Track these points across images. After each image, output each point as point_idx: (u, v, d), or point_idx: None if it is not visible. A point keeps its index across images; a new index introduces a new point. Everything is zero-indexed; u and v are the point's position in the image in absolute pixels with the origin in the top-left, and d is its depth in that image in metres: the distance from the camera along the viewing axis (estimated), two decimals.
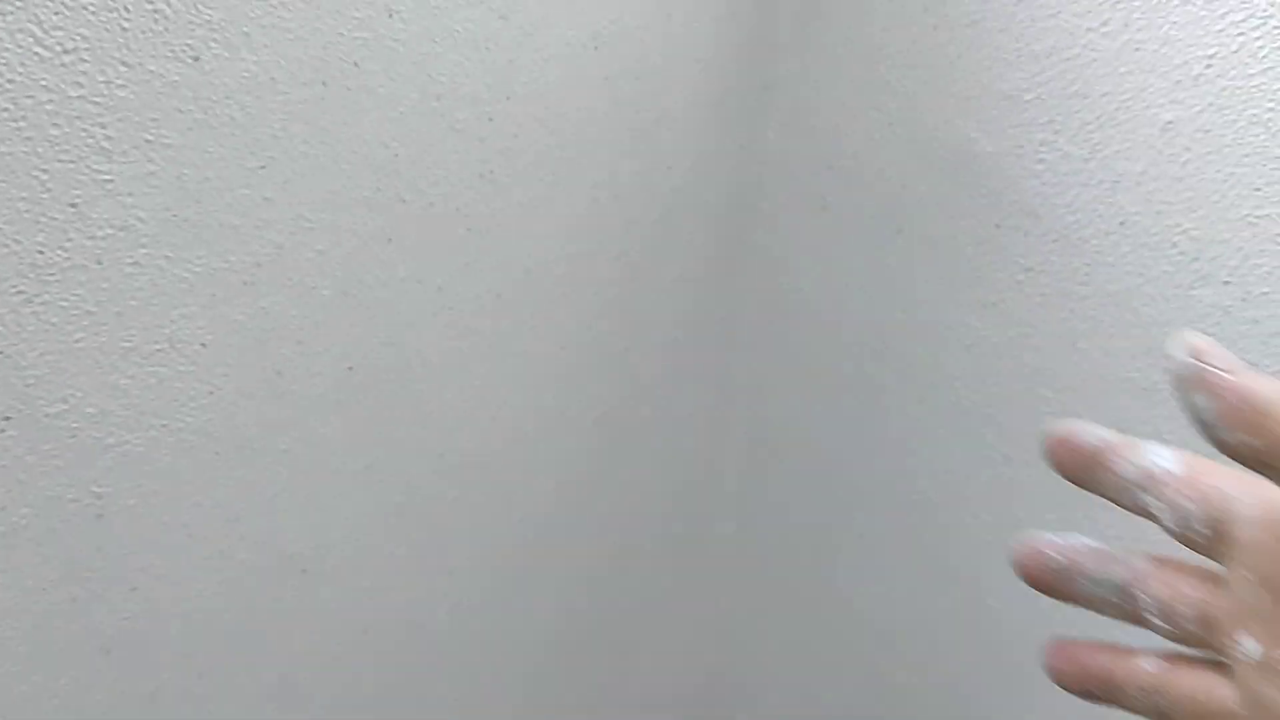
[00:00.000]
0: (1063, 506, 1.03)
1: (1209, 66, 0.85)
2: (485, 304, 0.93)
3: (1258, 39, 0.83)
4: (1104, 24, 0.89)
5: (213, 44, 0.70)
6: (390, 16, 0.78)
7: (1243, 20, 0.83)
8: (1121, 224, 0.93)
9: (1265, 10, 0.82)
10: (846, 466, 1.18)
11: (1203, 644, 0.39)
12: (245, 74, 0.72)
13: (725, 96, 1.07)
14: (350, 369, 0.85)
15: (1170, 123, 0.88)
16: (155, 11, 0.67)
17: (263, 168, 0.75)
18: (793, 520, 1.24)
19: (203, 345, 0.76)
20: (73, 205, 0.67)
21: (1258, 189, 0.86)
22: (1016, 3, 0.93)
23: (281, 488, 0.84)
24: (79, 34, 0.64)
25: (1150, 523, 0.40)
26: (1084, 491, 1.02)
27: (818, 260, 1.13)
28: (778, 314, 1.17)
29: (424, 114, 0.83)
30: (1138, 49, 0.88)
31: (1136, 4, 0.87)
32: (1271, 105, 0.83)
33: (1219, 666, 0.38)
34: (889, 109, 1.03)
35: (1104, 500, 1.02)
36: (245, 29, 0.71)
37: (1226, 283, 0.89)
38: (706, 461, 1.25)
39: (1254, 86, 0.84)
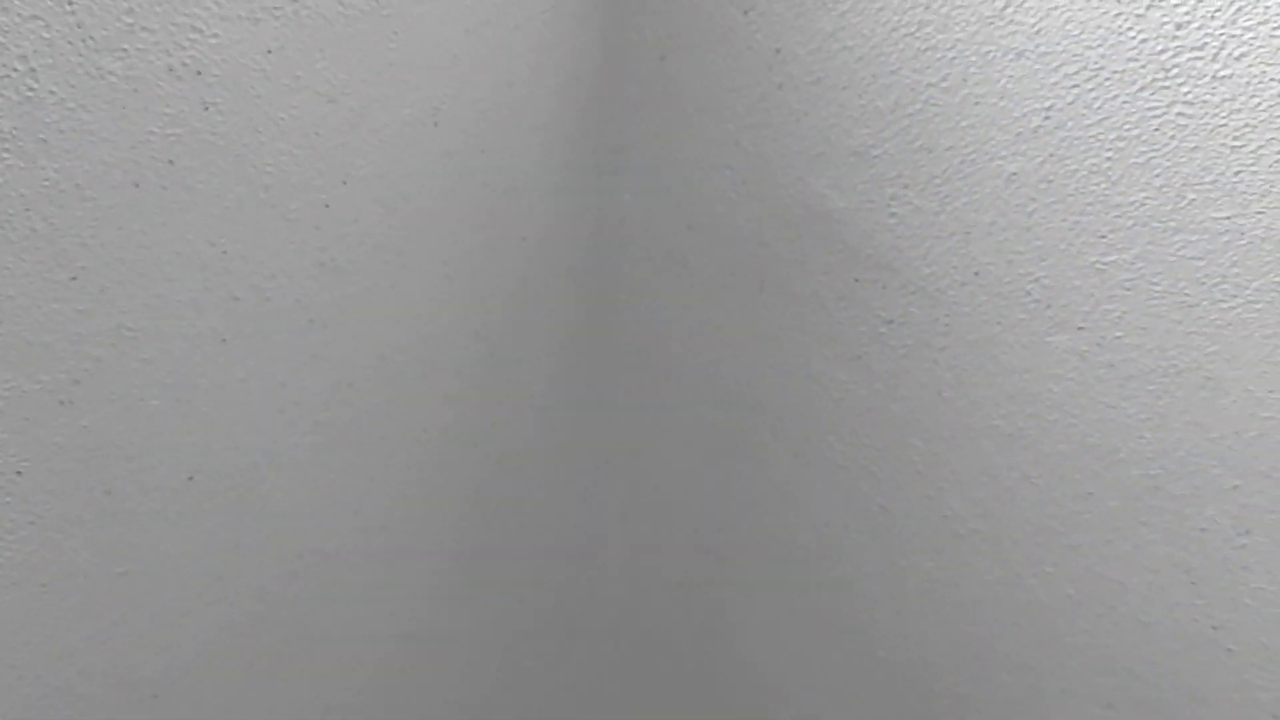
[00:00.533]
0: (940, 554, 1.03)
1: (1047, 118, 0.86)
2: (336, 395, 0.88)
3: (1091, 90, 0.84)
4: (943, 79, 0.90)
5: (4, 155, 0.64)
6: (206, 109, 0.73)
7: (1076, 73, 0.84)
8: (976, 274, 0.93)
9: (1096, 63, 0.83)
10: (728, 524, 1.16)
11: None
12: (45, 183, 0.67)
13: (576, 161, 1.05)
14: (190, 479, 0.80)
15: (1014, 174, 0.89)
16: None
17: (73, 279, 0.70)
18: (678, 579, 1.22)
19: (18, 474, 0.70)
20: None
21: (1103, 236, 0.87)
22: (858, 60, 0.93)
23: (122, 613, 0.78)
24: None
25: None
26: (962, 541, 1.02)
27: (684, 320, 1.11)
28: (648, 377, 1.15)
29: (252, 206, 0.78)
30: (977, 103, 0.89)
31: (973, 59, 0.88)
32: (1110, 154, 0.85)
33: None
34: (741, 167, 1.03)
35: (977, 549, 1.02)
36: (42, 136, 0.66)
37: (1081, 328, 0.90)
38: (588, 528, 1.22)
39: (1091, 137, 0.85)
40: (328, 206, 0.83)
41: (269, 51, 0.76)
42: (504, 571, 1.13)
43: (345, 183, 0.84)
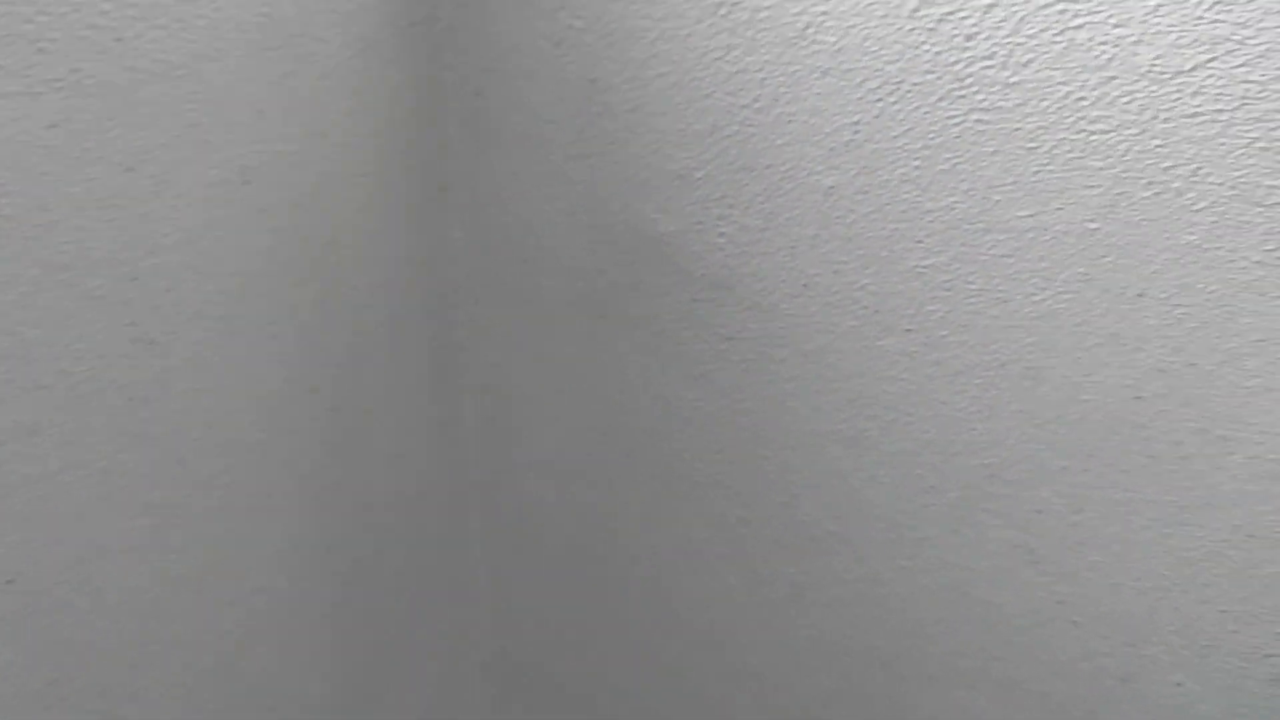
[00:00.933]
0: (800, 559, 1.05)
1: (857, 132, 0.89)
2: (166, 474, 0.84)
3: (895, 103, 0.87)
4: (755, 100, 0.92)
5: None
6: None
7: (878, 87, 0.87)
8: (805, 286, 0.95)
9: (896, 77, 0.86)
10: (592, 550, 1.16)
11: None
12: None
13: (401, 204, 1.03)
14: (10, 582, 0.75)
15: (832, 187, 0.91)
16: None
17: None
18: (548, 610, 1.21)
19: None
20: None
21: (919, 241, 0.90)
22: (672, 86, 0.94)
23: None
24: None
25: None
26: (819, 544, 1.04)
27: (528, 354, 1.10)
28: (498, 413, 1.14)
29: (51, 289, 0.74)
30: (790, 121, 0.91)
31: (781, 79, 0.90)
32: (918, 163, 0.88)
33: None
34: (570, 197, 1.02)
35: (834, 550, 1.04)
36: None
37: (908, 330, 0.93)
38: (453, 571, 1.19)
39: (899, 148, 0.88)
40: (135, 279, 0.79)
41: (53, 125, 0.72)
42: (372, 631, 1.10)
43: (153, 253, 0.80)
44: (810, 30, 0.88)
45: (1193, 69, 0.77)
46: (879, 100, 0.87)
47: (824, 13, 0.87)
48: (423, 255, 1.07)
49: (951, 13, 0.82)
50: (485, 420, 1.14)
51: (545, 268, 1.06)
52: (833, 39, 0.87)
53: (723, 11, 0.90)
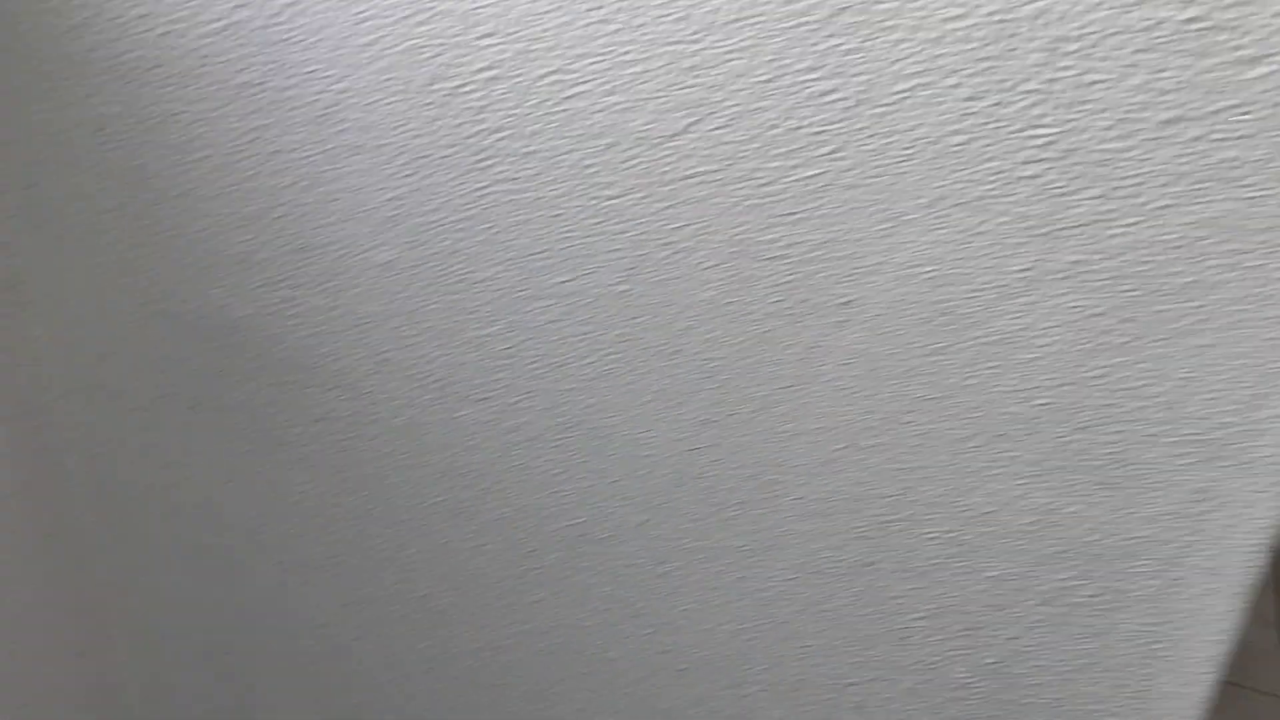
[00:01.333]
0: (429, 634, 1.03)
1: (398, 208, 0.88)
2: None
3: (427, 177, 0.86)
4: (298, 180, 0.89)
5: None
6: None
7: (409, 163, 0.86)
8: (382, 363, 0.94)
9: (423, 151, 0.85)
10: (234, 646, 1.12)
11: None
12: None
13: None
14: None
15: (387, 263, 0.90)
16: None
17: None
18: (201, 711, 1.16)
19: None
20: None
21: (473, 312, 0.89)
22: (216, 170, 0.91)
23: None
24: None
25: None
26: (443, 614, 1.01)
27: (130, 452, 1.06)
28: (110, 517, 1.09)
29: None
30: (334, 199, 0.89)
31: (317, 158, 0.88)
32: (459, 234, 0.87)
33: None
34: (139, 288, 0.98)
35: (458, 619, 1.01)
36: None
37: (481, 400, 0.92)
38: (99, 682, 1.13)
39: (438, 221, 0.87)
40: None
41: None
42: None
43: None
44: (335, 108, 0.86)
45: (680, 132, 0.78)
46: (411, 175, 0.86)
47: (344, 90, 0.85)
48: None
49: (460, 87, 0.82)
50: (93, 526, 1.09)
51: (130, 361, 1.02)
52: (358, 115, 0.85)
53: (250, 92, 0.87)
